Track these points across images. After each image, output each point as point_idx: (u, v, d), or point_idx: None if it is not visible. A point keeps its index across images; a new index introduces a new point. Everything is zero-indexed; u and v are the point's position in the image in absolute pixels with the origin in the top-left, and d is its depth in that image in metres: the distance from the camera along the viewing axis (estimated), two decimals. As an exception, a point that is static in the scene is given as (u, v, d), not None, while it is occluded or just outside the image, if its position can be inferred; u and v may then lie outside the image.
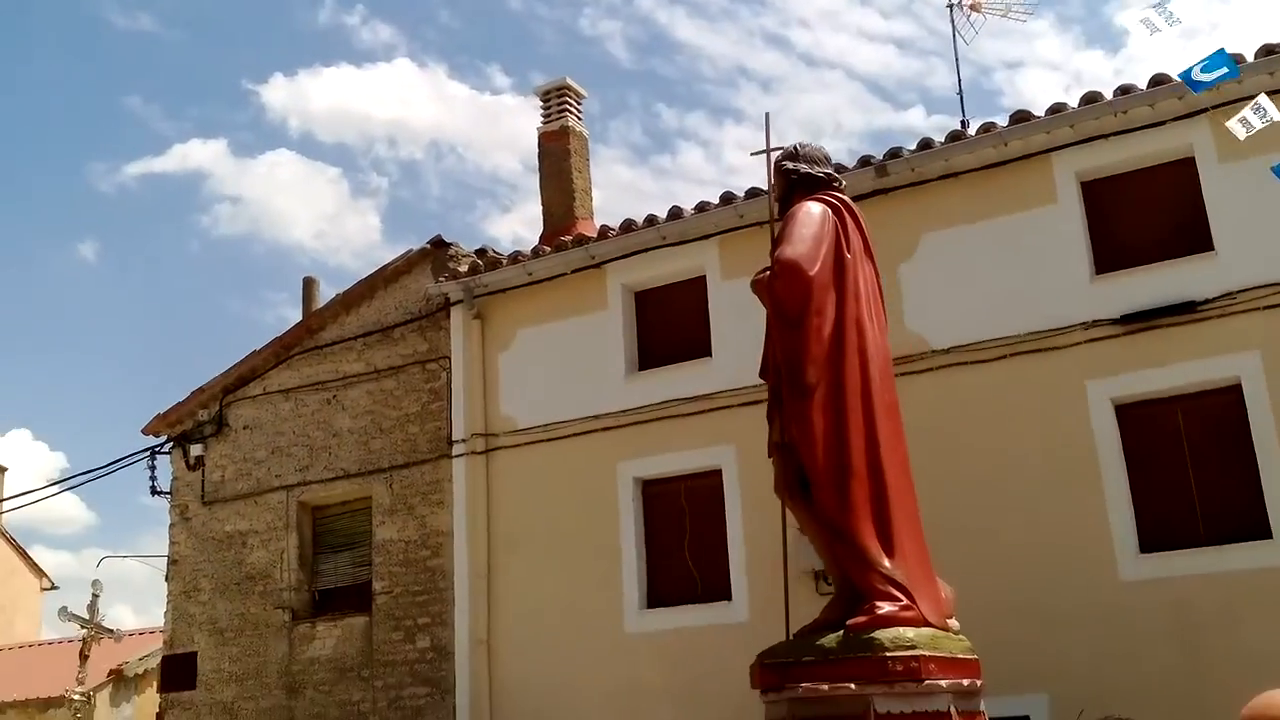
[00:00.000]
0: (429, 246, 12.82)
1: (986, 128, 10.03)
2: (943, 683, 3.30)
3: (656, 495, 11.28)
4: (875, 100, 57.36)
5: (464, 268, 12.40)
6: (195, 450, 13.95)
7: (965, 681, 3.48)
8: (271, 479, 13.46)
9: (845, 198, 4.16)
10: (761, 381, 10.37)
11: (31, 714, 19.16)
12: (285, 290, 60.83)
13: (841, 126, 62.34)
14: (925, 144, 10.28)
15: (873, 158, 10.46)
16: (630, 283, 11.72)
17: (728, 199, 11.04)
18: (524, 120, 57.91)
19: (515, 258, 12.10)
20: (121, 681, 19.36)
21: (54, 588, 31.05)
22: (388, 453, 12.75)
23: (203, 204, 56.55)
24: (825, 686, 3.33)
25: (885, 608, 3.57)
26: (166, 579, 14.06)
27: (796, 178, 4.42)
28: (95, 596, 16.77)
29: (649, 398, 11.23)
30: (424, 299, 12.74)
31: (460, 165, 61.22)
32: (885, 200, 10.38)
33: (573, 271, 11.82)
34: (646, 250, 11.49)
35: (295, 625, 12.97)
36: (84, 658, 16.51)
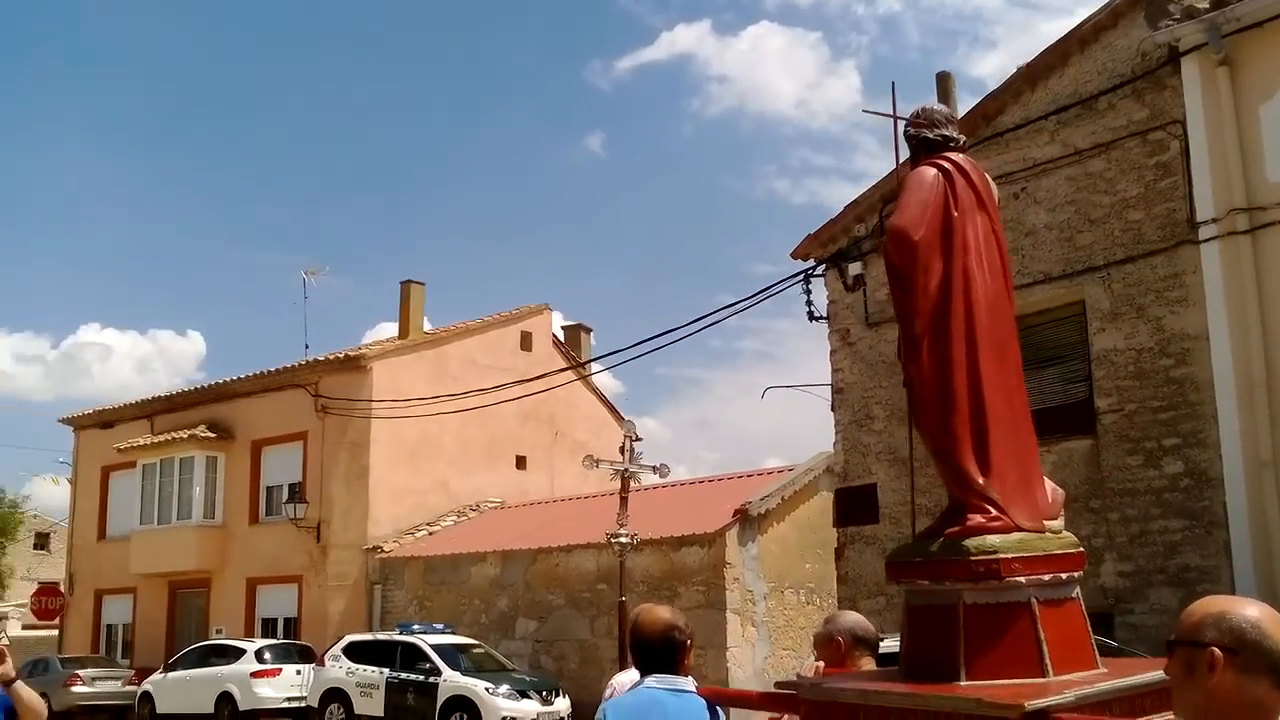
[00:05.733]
0: (1143, -13, 10.39)
1: None
2: (1022, 579, 3.85)
3: None
4: None
5: (1199, 5, 9.84)
6: (854, 269, 12.82)
7: (1048, 576, 3.89)
8: (949, 292, 12.00)
9: (957, 158, 4.11)
10: None
11: (666, 551, 19.85)
12: (772, 163, 60.67)
13: None
14: None
15: None
16: None
17: None
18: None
19: (1290, -27, 9.31)
20: (746, 521, 19.42)
21: (639, 439, 33.12)
22: (1101, 247, 10.72)
23: (692, 87, 57.35)
24: (928, 583, 4.00)
25: (975, 519, 4.04)
26: (832, 409, 13.25)
27: (916, 142, 4.43)
28: (628, 438, 17.68)
29: None
30: (1138, 55, 10.39)
31: (940, 8, 56.78)
32: None
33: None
34: None
35: (993, 452, 11.51)
36: (623, 500, 17.05)
